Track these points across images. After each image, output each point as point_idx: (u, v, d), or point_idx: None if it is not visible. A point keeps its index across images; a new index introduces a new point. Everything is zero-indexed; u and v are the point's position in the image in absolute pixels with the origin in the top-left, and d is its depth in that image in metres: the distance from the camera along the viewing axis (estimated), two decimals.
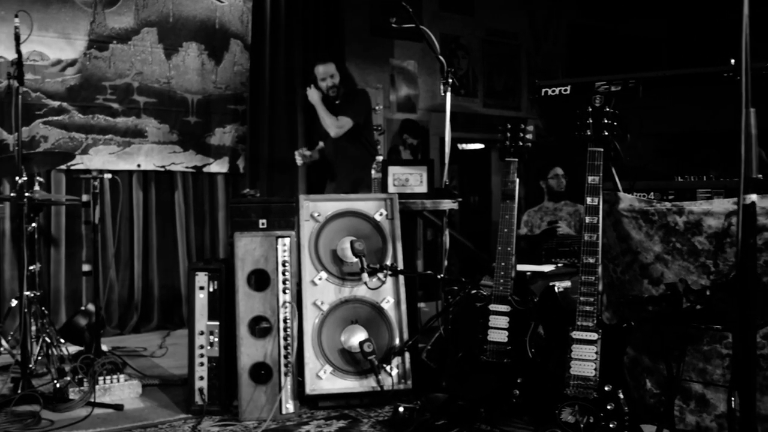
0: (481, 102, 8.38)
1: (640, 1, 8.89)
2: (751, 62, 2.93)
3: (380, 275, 3.70)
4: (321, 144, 5.31)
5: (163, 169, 5.90)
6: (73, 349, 4.35)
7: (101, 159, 5.57)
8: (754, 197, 1.78)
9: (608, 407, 2.75)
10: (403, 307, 3.77)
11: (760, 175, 1.81)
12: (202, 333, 3.62)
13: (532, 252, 5.15)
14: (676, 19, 9.12)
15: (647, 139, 3.81)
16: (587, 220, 2.88)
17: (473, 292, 3.47)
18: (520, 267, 4.22)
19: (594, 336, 2.81)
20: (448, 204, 4.30)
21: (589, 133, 2.96)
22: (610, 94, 3.27)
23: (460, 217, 7.18)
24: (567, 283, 4.22)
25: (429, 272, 3.97)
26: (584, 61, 8.72)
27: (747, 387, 1.88)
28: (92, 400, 3.63)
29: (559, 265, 4.72)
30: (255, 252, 3.57)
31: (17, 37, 3.67)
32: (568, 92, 3.50)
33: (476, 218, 8.51)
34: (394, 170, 4.28)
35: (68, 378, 3.78)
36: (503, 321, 3.26)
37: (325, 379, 3.63)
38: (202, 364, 3.61)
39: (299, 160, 5.17)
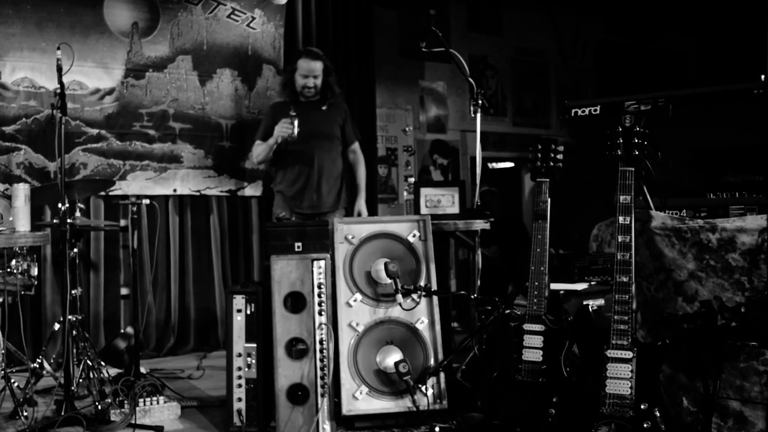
0: (511, 121, 8.42)
1: (667, 17, 8.88)
2: None
3: (414, 296, 3.73)
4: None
5: (198, 194, 6.01)
6: (113, 371, 4.44)
7: (138, 184, 5.70)
8: None
9: (645, 425, 2.75)
10: (438, 327, 3.80)
11: None
12: (239, 355, 3.68)
13: (564, 270, 5.15)
14: (705, 35, 9.09)
15: (678, 156, 3.82)
16: (620, 239, 2.90)
17: (507, 311, 3.49)
18: (554, 286, 4.22)
19: (629, 354, 2.82)
20: (479, 224, 4.34)
21: (619, 153, 2.98)
22: (639, 113, 3.30)
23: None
24: (600, 301, 4.21)
25: (462, 292, 4.00)
26: (613, 78, 8.72)
27: None
28: (133, 422, 3.70)
29: (592, 283, 4.71)
30: (291, 275, 3.63)
31: (59, 69, 3.79)
32: (597, 112, 3.53)
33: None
34: (426, 192, 4.34)
35: (109, 400, 3.87)
36: (538, 340, 3.28)
37: (361, 400, 3.67)
38: (240, 385, 3.67)
39: (285, 131, 4.58)
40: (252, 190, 6.27)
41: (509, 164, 8.65)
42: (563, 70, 8.86)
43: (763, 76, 3.57)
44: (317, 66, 4.80)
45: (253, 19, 6.23)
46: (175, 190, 5.89)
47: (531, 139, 3.58)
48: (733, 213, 3.35)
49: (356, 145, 5.00)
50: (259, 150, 4.91)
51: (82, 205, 4.43)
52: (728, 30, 8.47)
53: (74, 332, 4.16)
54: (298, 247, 3.73)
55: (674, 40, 9.37)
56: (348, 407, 3.64)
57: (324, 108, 4.86)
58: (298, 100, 4.86)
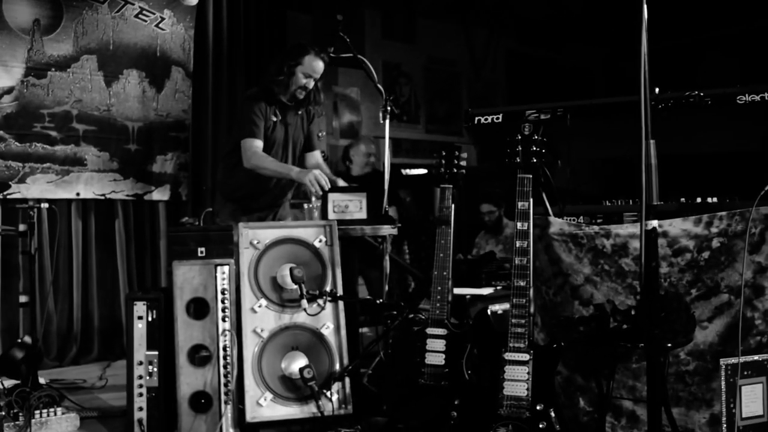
0: (424, 128, 8.52)
1: (576, 29, 9.16)
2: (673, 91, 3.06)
3: (320, 301, 3.72)
4: None
5: (103, 198, 5.84)
6: (9, 383, 4.26)
7: (39, 188, 5.49)
8: (654, 223, 1.88)
9: (540, 426, 2.82)
10: (343, 332, 3.80)
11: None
12: (140, 363, 3.59)
13: (472, 275, 5.24)
14: (612, 47, 9.42)
15: (578, 164, 3.94)
16: (517, 244, 2.97)
17: (411, 316, 3.52)
18: (461, 290, 4.29)
19: (525, 357, 2.89)
20: (387, 230, 4.36)
21: (518, 161, 3.06)
22: (539, 122, 3.39)
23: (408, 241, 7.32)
24: (506, 305, 4.29)
25: (368, 297, 4.01)
26: (523, 88, 8.95)
27: (654, 402, 1.97)
28: None
29: (498, 287, 4.81)
30: (194, 280, 3.56)
31: None
32: (500, 120, 3.62)
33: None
34: (334, 197, 4.32)
35: (3, 412, 3.71)
36: (440, 344, 3.32)
37: (265, 407, 3.63)
38: (141, 394, 3.58)
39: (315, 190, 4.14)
40: (159, 195, 6.14)
41: (422, 171, 8.75)
42: (475, 80, 9.03)
43: (657, 89, 3.72)
44: (322, 68, 4.30)
45: (163, 19, 6.10)
46: (78, 194, 5.70)
47: (444, 146, 3.61)
48: (627, 219, 3.48)
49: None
50: (269, 161, 4.27)
51: None
52: (636, 43, 8.80)
53: None
54: (202, 252, 3.67)
55: (584, 53, 9.66)
56: (252, 414, 3.60)
57: (300, 113, 4.49)
58: (278, 101, 4.34)
